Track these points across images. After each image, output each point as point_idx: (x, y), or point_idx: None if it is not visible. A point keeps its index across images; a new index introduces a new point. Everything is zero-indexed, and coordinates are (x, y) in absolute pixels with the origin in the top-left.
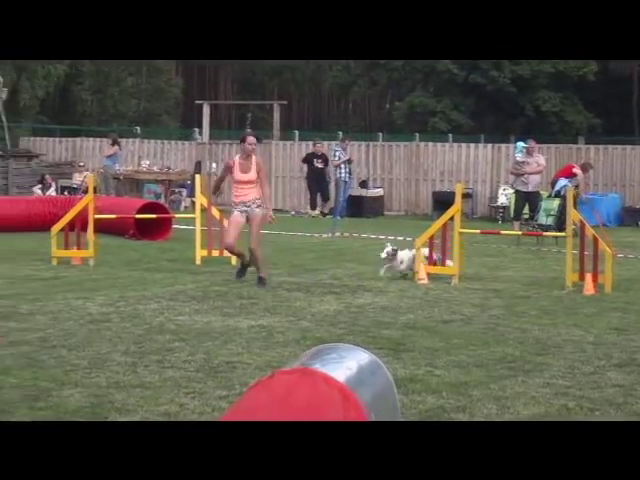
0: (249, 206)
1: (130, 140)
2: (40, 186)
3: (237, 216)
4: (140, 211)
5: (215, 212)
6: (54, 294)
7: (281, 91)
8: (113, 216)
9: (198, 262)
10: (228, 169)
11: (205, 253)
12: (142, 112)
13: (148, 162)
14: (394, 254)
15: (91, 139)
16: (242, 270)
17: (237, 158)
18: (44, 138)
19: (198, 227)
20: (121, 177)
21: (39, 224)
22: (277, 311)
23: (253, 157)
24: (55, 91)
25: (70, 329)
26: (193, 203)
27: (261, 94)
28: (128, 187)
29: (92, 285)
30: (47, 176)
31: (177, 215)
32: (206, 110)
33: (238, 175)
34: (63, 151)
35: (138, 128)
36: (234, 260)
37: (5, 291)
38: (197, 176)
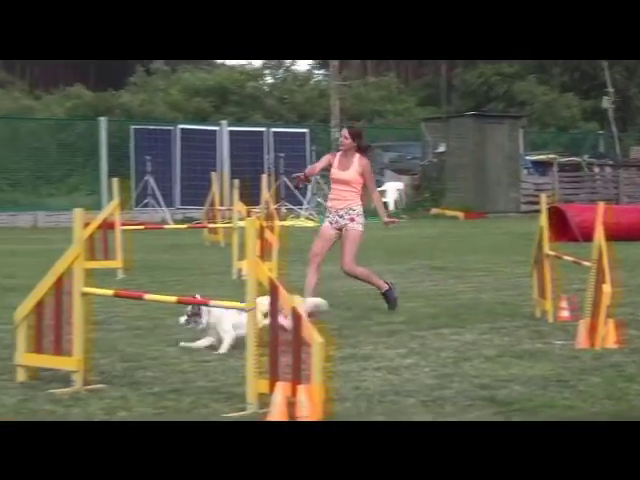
0: (341, 216)
1: None
2: None
3: (327, 228)
4: None
5: None
6: None
7: None
8: None
9: None
10: (325, 161)
11: None
12: None
13: None
14: (197, 312)
15: None
16: (385, 297)
17: (339, 154)
18: None
19: None
20: None
21: None
22: None
23: (356, 155)
24: None
25: None
26: None
27: None
28: None
29: None
30: None
31: None
32: None
33: (334, 172)
34: None
35: None
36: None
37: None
38: None
